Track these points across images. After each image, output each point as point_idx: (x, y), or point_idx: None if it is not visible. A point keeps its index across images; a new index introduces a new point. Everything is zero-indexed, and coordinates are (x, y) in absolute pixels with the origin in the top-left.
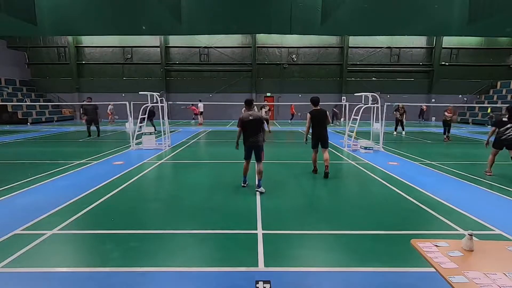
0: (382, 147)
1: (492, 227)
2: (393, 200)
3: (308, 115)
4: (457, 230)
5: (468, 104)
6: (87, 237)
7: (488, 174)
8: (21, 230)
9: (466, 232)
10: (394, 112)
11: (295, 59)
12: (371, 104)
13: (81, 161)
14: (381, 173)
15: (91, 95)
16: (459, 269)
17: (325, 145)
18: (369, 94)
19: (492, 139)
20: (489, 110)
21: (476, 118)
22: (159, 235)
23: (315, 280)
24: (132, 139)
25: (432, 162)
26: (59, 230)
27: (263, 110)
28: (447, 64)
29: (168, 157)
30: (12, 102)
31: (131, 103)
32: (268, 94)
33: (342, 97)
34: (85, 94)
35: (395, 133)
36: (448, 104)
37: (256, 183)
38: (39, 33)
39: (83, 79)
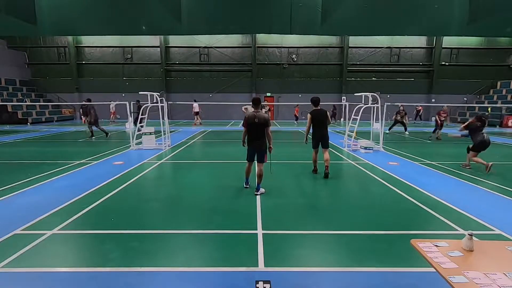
0: (382, 147)
1: (492, 227)
2: (393, 200)
3: (309, 115)
4: (457, 230)
5: (468, 104)
6: (87, 237)
7: (467, 167)
8: (21, 230)
9: (466, 232)
10: (395, 114)
11: (295, 59)
12: (371, 104)
13: (81, 161)
14: (381, 173)
15: (91, 95)
16: (459, 269)
17: (326, 145)
18: (369, 94)
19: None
20: (489, 110)
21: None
22: (159, 235)
23: (315, 280)
24: (132, 139)
25: (432, 162)
26: (59, 230)
27: (263, 110)
28: (447, 64)
29: (168, 157)
30: (12, 102)
31: (131, 103)
32: (268, 94)
33: (342, 97)
34: (85, 94)
35: (388, 132)
36: (442, 104)
37: (256, 186)
38: (39, 33)
39: (83, 79)
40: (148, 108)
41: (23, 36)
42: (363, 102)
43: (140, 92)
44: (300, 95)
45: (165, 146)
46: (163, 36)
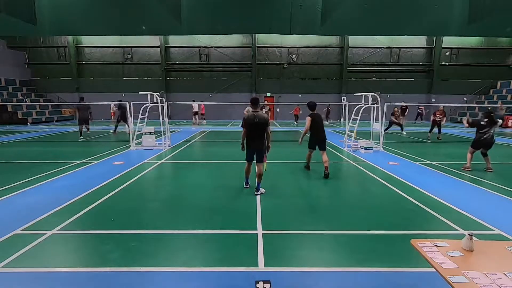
0: (382, 147)
1: (492, 227)
2: (393, 200)
3: (309, 118)
4: (457, 230)
5: (468, 104)
6: (87, 237)
7: (467, 169)
8: (21, 230)
9: (466, 232)
10: (391, 116)
11: (295, 59)
12: (371, 104)
13: (81, 161)
14: (381, 173)
15: (91, 95)
16: (459, 269)
17: (324, 147)
18: (369, 94)
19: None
20: (503, 108)
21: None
22: (159, 235)
23: (315, 280)
24: (132, 139)
25: (432, 162)
26: (59, 230)
27: (263, 110)
28: (447, 64)
29: (168, 157)
30: (12, 102)
31: (131, 103)
32: (268, 94)
33: (342, 97)
34: (85, 94)
35: (383, 132)
36: (438, 104)
37: (256, 186)
38: (39, 33)
39: (83, 79)
40: (148, 108)
41: (23, 36)
42: (363, 102)
43: (140, 92)
44: (300, 95)
45: (165, 146)
46: (163, 36)
